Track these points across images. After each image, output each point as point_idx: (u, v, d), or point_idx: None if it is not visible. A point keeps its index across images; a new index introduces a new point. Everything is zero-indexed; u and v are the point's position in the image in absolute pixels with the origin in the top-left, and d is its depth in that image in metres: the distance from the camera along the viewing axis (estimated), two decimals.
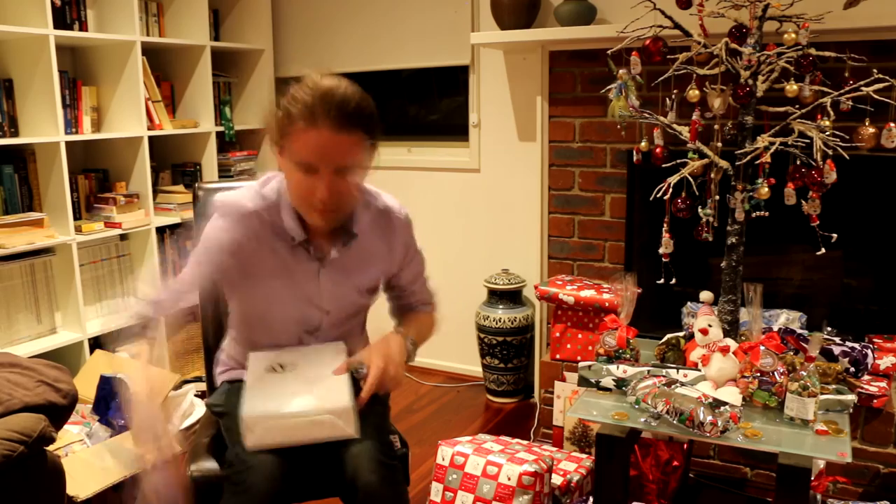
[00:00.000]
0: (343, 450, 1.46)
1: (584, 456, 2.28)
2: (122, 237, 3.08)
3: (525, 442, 2.25)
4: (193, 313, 1.68)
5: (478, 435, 2.28)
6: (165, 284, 1.52)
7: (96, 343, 2.89)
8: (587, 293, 2.55)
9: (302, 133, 1.35)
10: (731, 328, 1.96)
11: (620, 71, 1.98)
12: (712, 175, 1.94)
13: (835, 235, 1.94)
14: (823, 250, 1.95)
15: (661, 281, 2.23)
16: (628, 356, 1.95)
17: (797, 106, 1.88)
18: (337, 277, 1.56)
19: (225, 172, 3.46)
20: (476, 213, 3.34)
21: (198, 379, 3.06)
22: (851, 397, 1.76)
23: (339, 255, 1.54)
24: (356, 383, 1.51)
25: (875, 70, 1.92)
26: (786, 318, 2.28)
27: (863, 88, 1.79)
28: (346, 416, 1.43)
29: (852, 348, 2.00)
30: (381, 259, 1.61)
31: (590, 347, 2.58)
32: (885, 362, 2.21)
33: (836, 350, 1.98)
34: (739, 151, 1.91)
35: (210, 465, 1.61)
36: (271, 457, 1.43)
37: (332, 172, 1.38)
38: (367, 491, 1.41)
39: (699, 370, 1.83)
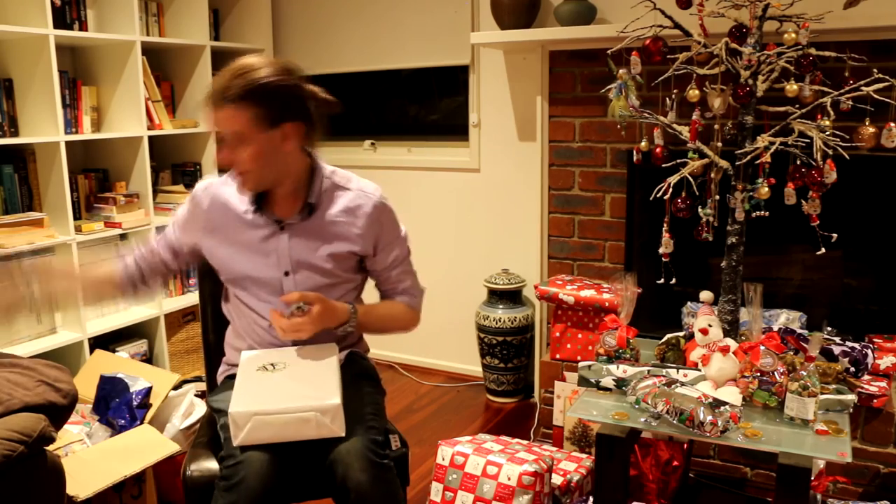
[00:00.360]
0: (333, 450, 1.46)
1: (584, 456, 2.28)
2: (122, 237, 3.08)
3: (525, 442, 2.25)
4: (165, 275, 1.80)
5: (478, 435, 2.28)
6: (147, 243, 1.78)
7: (96, 343, 2.89)
8: (587, 293, 2.55)
9: (206, 104, 1.52)
10: (731, 328, 1.96)
11: (620, 71, 1.98)
12: (712, 175, 1.94)
13: (835, 235, 1.94)
14: (823, 250, 1.95)
15: (661, 281, 2.23)
16: (628, 356, 1.95)
17: (797, 106, 1.88)
18: (298, 242, 1.65)
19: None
20: (476, 213, 3.33)
21: (198, 379, 3.06)
22: (851, 397, 1.76)
23: (301, 222, 1.64)
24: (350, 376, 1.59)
25: (875, 70, 1.92)
26: (786, 317, 2.28)
27: (863, 88, 1.79)
28: (333, 415, 1.43)
29: (852, 348, 2.00)
30: (349, 237, 1.67)
31: (590, 347, 2.58)
32: (885, 362, 2.21)
33: (836, 350, 1.98)
34: (739, 151, 1.91)
35: (210, 464, 1.61)
36: (263, 454, 1.43)
37: (225, 141, 1.52)
38: (358, 491, 1.41)
39: (699, 370, 1.83)
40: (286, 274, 1.65)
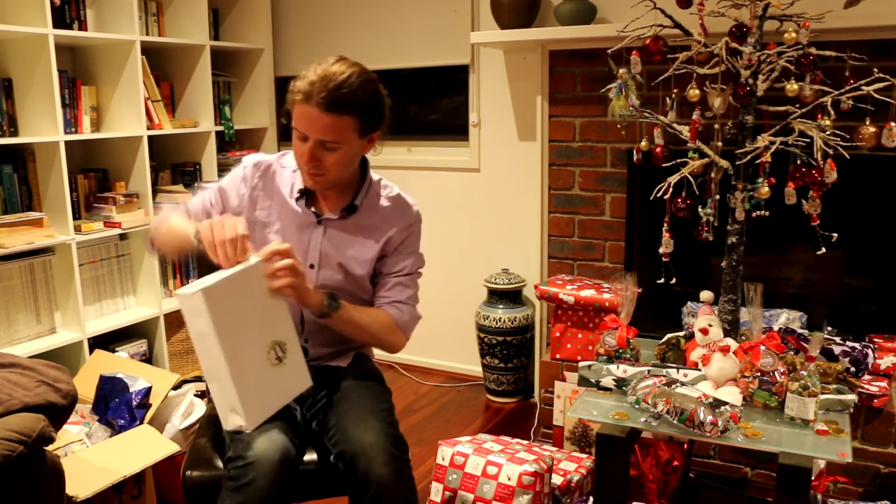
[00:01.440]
0: (354, 443, 1.46)
1: (584, 456, 2.28)
2: (122, 237, 3.08)
3: (525, 442, 2.25)
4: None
5: (478, 435, 2.28)
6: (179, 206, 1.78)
7: (96, 343, 2.89)
8: (587, 293, 2.55)
9: (298, 105, 1.51)
10: (732, 328, 1.96)
11: (620, 70, 1.97)
12: (712, 174, 1.94)
13: (835, 235, 1.94)
14: (824, 250, 1.95)
15: (661, 281, 2.23)
16: (628, 356, 1.95)
17: (797, 105, 1.88)
18: (332, 239, 1.67)
19: (224, 172, 3.45)
20: (476, 213, 3.33)
21: (198, 379, 3.06)
22: (852, 397, 1.76)
23: (339, 220, 1.67)
24: None
25: (875, 69, 1.91)
26: (786, 317, 2.28)
27: (863, 88, 1.79)
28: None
29: (853, 348, 2.00)
30: (377, 241, 1.70)
31: (590, 347, 2.58)
32: (885, 362, 2.21)
33: (837, 350, 1.98)
34: (740, 151, 1.90)
35: (209, 465, 1.60)
36: (273, 454, 1.43)
37: (317, 143, 1.53)
38: (380, 484, 1.42)
39: (699, 370, 1.82)
40: (311, 266, 1.67)
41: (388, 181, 1.78)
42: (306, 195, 1.68)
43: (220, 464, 1.59)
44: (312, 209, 1.68)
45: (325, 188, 1.66)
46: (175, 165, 3.40)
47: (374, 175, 1.75)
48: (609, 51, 2.08)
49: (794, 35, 1.83)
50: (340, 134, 1.53)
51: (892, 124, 1.78)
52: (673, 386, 1.72)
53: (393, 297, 1.73)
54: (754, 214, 1.91)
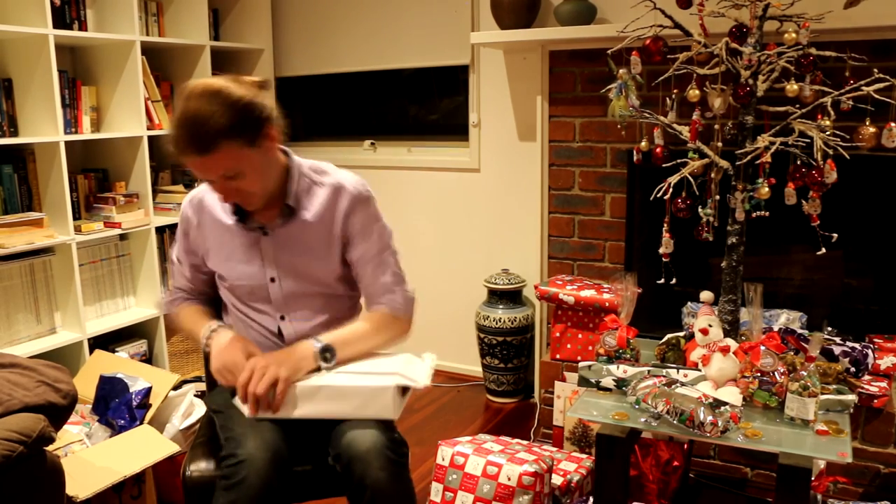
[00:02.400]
0: (351, 447, 1.46)
1: (584, 456, 2.28)
2: (122, 237, 3.08)
3: (525, 442, 2.25)
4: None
5: (478, 435, 2.28)
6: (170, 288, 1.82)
7: (96, 343, 2.89)
8: (587, 293, 2.55)
9: (179, 158, 1.46)
10: (732, 328, 1.96)
11: (620, 70, 1.97)
12: (712, 175, 1.94)
13: (835, 235, 1.94)
14: (824, 250, 1.95)
15: (661, 281, 2.23)
16: (628, 356, 1.95)
17: (797, 105, 1.88)
18: (282, 245, 1.62)
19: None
20: (476, 213, 3.33)
21: (197, 379, 3.06)
22: (852, 397, 1.76)
23: (284, 227, 1.61)
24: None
25: (875, 70, 1.91)
26: (786, 318, 2.28)
27: (863, 88, 1.79)
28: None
29: (853, 348, 2.00)
30: (330, 236, 1.63)
31: (590, 347, 2.58)
32: (885, 362, 2.21)
33: (837, 350, 1.98)
34: (740, 151, 1.91)
35: (209, 465, 1.60)
36: (264, 453, 1.43)
37: (221, 179, 1.48)
38: (375, 488, 1.42)
39: (699, 370, 1.82)
40: (272, 280, 1.64)
41: (321, 163, 1.67)
42: (239, 211, 1.63)
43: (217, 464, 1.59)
44: (256, 223, 1.62)
45: (263, 203, 1.58)
46: (175, 165, 3.40)
47: (303, 162, 1.65)
48: (609, 51, 2.08)
49: (794, 35, 1.83)
50: (233, 162, 1.45)
51: (892, 124, 1.78)
52: (673, 386, 1.72)
53: (377, 287, 1.66)
54: (754, 215, 1.91)
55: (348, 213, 1.62)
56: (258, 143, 1.49)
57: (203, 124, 1.41)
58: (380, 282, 1.66)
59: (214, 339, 1.62)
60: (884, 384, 2.18)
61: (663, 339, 2.00)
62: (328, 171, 1.65)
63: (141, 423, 2.25)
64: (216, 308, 1.80)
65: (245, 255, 1.64)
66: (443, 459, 2.11)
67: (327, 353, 1.56)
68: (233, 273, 1.65)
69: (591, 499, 2.05)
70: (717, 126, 1.98)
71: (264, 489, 1.40)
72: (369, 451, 1.45)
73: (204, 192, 1.68)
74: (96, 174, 3.08)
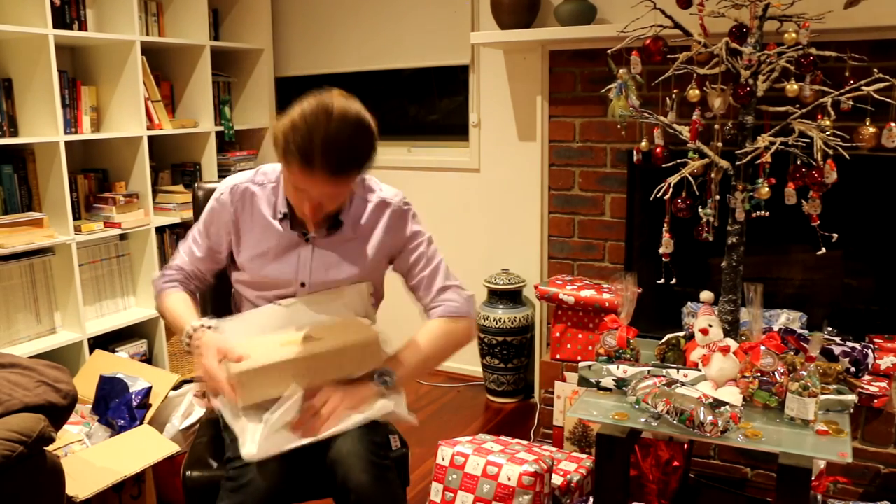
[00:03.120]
0: (333, 451, 1.46)
1: (584, 456, 2.28)
2: (122, 237, 3.08)
3: (525, 442, 2.25)
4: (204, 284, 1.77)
5: (478, 435, 2.28)
6: (171, 264, 1.75)
7: (96, 343, 2.89)
8: (587, 293, 2.55)
9: (297, 167, 1.41)
10: (732, 328, 1.96)
11: (620, 70, 1.98)
12: (712, 175, 1.94)
13: (835, 235, 1.94)
14: (824, 250, 1.95)
15: (661, 281, 2.23)
16: (628, 356, 1.95)
17: (797, 105, 1.88)
18: (322, 257, 1.61)
19: (224, 172, 3.46)
20: (476, 213, 3.33)
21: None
22: (852, 397, 1.76)
23: (327, 237, 1.61)
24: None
25: (875, 70, 1.91)
26: (786, 318, 2.28)
27: (863, 88, 1.79)
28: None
29: (853, 348, 2.00)
30: (373, 247, 1.64)
31: (590, 347, 2.58)
32: (885, 362, 2.21)
33: (837, 350, 1.98)
34: (740, 151, 1.91)
35: (209, 465, 1.60)
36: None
37: (322, 197, 1.47)
38: (358, 492, 1.41)
39: (699, 370, 1.83)
40: (302, 285, 1.62)
41: (368, 177, 1.69)
42: (290, 215, 1.61)
43: (218, 464, 1.59)
44: (298, 228, 1.62)
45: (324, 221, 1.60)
46: (175, 165, 3.40)
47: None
48: (609, 51, 2.08)
49: (794, 35, 1.83)
50: (347, 189, 1.49)
51: (892, 124, 1.78)
52: (673, 386, 1.72)
53: (431, 293, 1.65)
54: (754, 215, 1.91)
55: (388, 228, 1.65)
56: (367, 170, 1.52)
57: (352, 153, 1.42)
58: (434, 287, 1.66)
59: (197, 340, 1.59)
60: (884, 384, 2.18)
61: (663, 339, 2.00)
62: (374, 187, 1.69)
63: (141, 423, 2.25)
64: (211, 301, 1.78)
65: (281, 256, 1.62)
66: (443, 459, 2.11)
67: (386, 377, 1.53)
68: (262, 270, 1.63)
69: (591, 499, 2.05)
70: (717, 126, 1.98)
71: (271, 491, 1.40)
72: (350, 454, 1.44)
73: (249, 183, 1.65)
74: (96, 174, 3.08)
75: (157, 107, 3.12)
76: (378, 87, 3.61)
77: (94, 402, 2.33)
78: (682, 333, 2.00)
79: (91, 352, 2.73)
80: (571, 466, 2.20)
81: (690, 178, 1.93)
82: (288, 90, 3.79)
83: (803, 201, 1.84)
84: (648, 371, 1.84)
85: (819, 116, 1.81)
